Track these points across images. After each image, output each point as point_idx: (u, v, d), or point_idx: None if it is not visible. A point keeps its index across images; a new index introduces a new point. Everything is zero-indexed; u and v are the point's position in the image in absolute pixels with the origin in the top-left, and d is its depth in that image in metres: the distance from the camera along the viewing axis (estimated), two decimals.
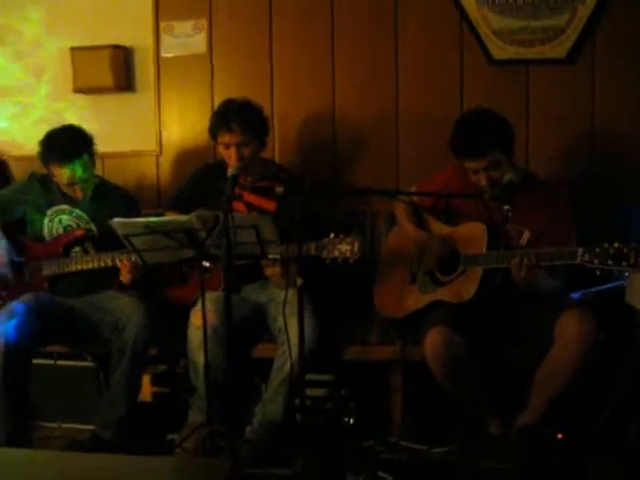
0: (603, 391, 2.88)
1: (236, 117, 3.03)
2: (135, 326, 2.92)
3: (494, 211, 2.79)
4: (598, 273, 2.46)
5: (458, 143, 2.85)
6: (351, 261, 2.68)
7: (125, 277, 3.00)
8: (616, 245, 2.41)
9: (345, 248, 2.68)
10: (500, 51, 3.43)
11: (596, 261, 2.45)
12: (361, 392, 3.10)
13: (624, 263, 2.40)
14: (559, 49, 3.39)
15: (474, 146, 2.79)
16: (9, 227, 3.22)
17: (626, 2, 3.33)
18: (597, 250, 2.45)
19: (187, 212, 2.82)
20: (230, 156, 3.06)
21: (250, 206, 3.12)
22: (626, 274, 2.50)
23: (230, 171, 2.86)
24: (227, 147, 3.06)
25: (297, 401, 2.70)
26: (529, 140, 3.41)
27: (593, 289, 2.96)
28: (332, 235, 2.72)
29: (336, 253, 2.69)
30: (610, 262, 2.42)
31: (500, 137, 2.82)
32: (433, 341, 2.69)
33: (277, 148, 3.59)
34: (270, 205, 3.11)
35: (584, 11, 3.35)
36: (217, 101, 3.62)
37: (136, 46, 3.75)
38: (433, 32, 3.47)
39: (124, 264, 2.96)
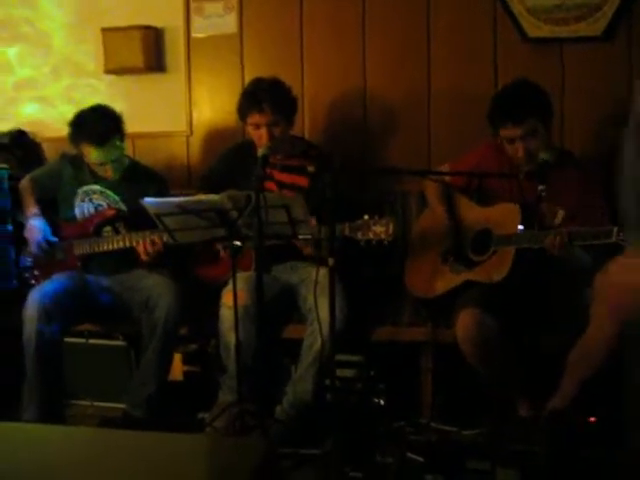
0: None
1: (266, 97, 3.02)
2: (166, 305, 2.93)
3: (528, 191, 2.77)
4: None
5: (497, 108, 2.86)
6: (385, 243, 2.67)
7: (144, 256, 3.01)
8: None
9: (380, 230, 2.67)
10: (534, 29, 3.37)
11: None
12: (391, 373, 3.10)
13: None
14: (595, 27, 3.32)
15: (513, 110, 2.80)
16: (42, 207, 3.25)
17: None
18: None
19: (217, 193, 2.82)
20: (260, 136, 3.05)
21: (282, 184, 3.12)
22: None
23: (260, 151, 2.86)
24: (257, 127, 3.05)
25: (327, 381, 2.71)
26: (564, 118, 3.35)
27: None
28: (366, 216, 2.71)
29: (370, 235, 2.69)
30: None
31: (539, 105, 2.83)
32: (465, 322, 2.67)
33: (307, 128, 3.56)
34: (303, 181, 3.09)
35: None
36: (247, 82, 3.61)
37: (167, 27, 3.75)
38: (466, 10, 3.42)
39: (140, 245, 2.97)
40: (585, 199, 2.81)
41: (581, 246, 2.65)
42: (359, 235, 2.71)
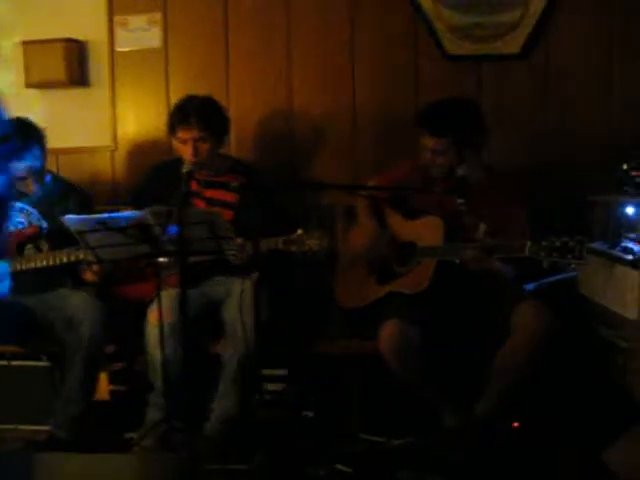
0: (560, 381, 2.94)
1: (195, 112, 3.02)
2: (90, 324, 2.89)
3: (449, 205, 2.83)
4: (545, 266, 2.52)
5: (421, 114, 2.92)
6: (319, 256, 2.74)
7: (90, 276, 2.96)
8: (563, 238, 2.48)
9: (314, 243, 2.74)
10: (455, 47, 3.46)
11: (542, 254, 2.51)
12: (320, 386, 3.12)
13: (569, 256, 2.46)
14: (512, 45, 3.43)
15: (434, 123, 2.87)
16: None
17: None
18: (544, 243, 2.52)
19: (142, 208, 2.80)
20: (186, 151, 3.04)
21: (211, 201, 3.11)
22: (572, 266, 2.56)
23: (185, 167, 2.85)
24: (184, 142, 3.05)
25: (255, 396, 2.71)
26: None
27: (547, 280, 3.01)
28: (300, 231, 2.76)
29: (305, 248, 2.75)
30: (555, 254, 2.48)
31: (461, 126, 2.88)
32: (388, 333, 2.72)
33: (234, 145, 3.56)
34: (231, 197, 3.09)
35: (536, 7, 3.39)
36: (173, 96, 3.61)
37: (90, 40, 3.71)
38: (388, 27, 3.49)
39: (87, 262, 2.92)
40: (507, 213, 2.88)
41: (505, 259, 2.73)
42: (293, 248, 2.77)
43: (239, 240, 2.74)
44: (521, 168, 3.42)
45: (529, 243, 2.57)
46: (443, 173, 2.89)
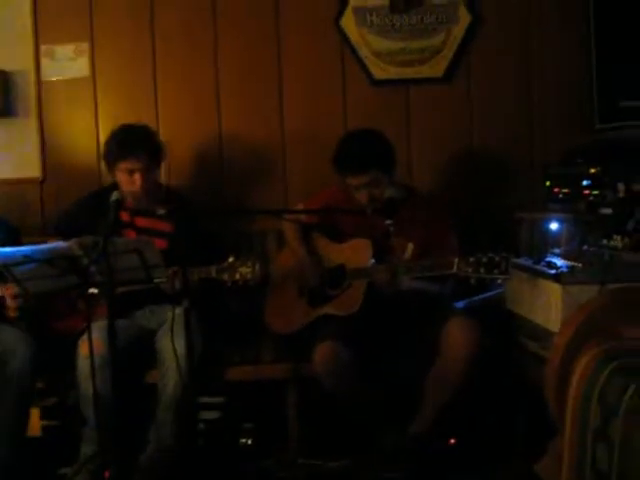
0: (492, 395, 3.00)
1: (141, 142, 3.02)
2: (19, 359, 2.81)
3: (377, 226, 2.88)
4: (473, 282, 2.59)
5: (341, 159, 2.96)
6: (251, 283, 2.74)
7: (12, 310, 2.90)
8: (489, 254, 2.55)
9: (245, 270, 2.75)
10: (381, 71, 3.55)
11: (469, 270, 2.58)
12: (257, 412, 3.11)
13: (496, 271, 2.53)
14: (436, 68, 3.54)
15: (356, 163, 2.91)
16: None
17: (496, 22, 3.52)
18: (471, 260, 2.58)
19: (72, 238, 2.76)
20: (132, 182, 3.02)
21: (144, 230, 3.07)
22: (498, 281, 2.62)
23: (113, 195, 2.81)
24: (130, 173, 3.02)
25: (192, 425, 2.69)
26: (411, 156, 3.53)
27: (477, 297, 3.07)
28: (231, 258, 2.76)
29: (237, 276, 2.76)
30: (482, 270, 2.55)
31: (381, 155, 2.94)
32: (321, 355, 2.73)
33: (164, 169, 3.53)
34: (165, 226, 3.07)
35: (458, 32, 3.51)
36: (102, 125, 3.59)
37: (16, 70, 3.64)
38: (315, 55, 3.56)
39: (8, 294, 2.86)
40: (434, 232, 2.95)
41: (433, 279, 2.78)
42: (226, 277, 2.76)
43: (171, 269, 2.73)
44: (448, 188, 3.51)
45: (457, 260, 2.64)
46: (381, 203, 2.92)
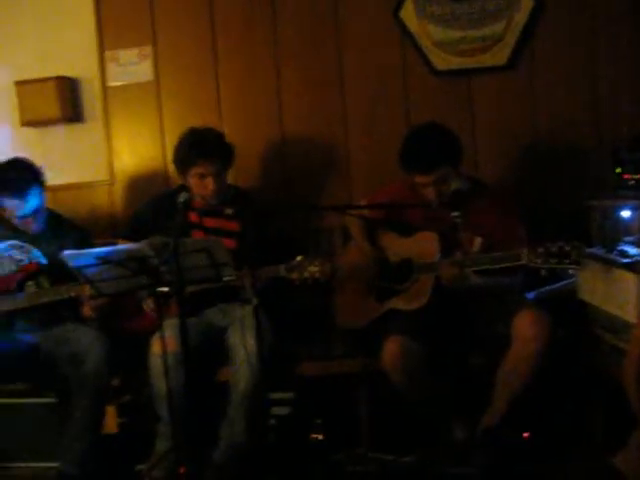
0: (565, 387, 2.93)
1: (215, 146, 3.06)
2: (95, 358, 2.89)
3: (443, 219, 2.84)
4: (543, 273, 2.53)
5: (406, 159, 2.91)
6: (322, 281, 2.74)
7: (87, 310, 2.98)
8: (559, 244, 2.49)
9: (314, 269, 2.75)
10: (442, 62, 3.50)
11: (539, 261, 2.52)
12: (327, 407, 3.12)
13: (566, 261, 2.47)
14: (498, 57, 3.47)
15: (422, 162, 2.86)
16: None
17: (561, 6, 3.42)
18: (540, 250, 2.53)
19: (141, 239, 2.82)
20: (206, 186, 3.05)
21: (212, 230, 3.10)
22: (570, 271, 2.56)
23: (181, 197, 2.86)
24: (202, 177, 3.05)
25: (263, 421, 2.71)
26: (476, 147, 3.47)
27: (547, 288, 3.01)
28: (300, 257, 2.77)
29: (306, 274, 2.76)
30: (552, 260, 2.49)
31: (447, 152, 2.88)
32: (390, 350, 2.72)
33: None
34: (233, 226, 3.10)
35: (520, 18, 3.43)
36: (167, 128, 3.66)
37: (82, 76, 3.75)
38: (377, 47, 3.53)
39: (84, 295, 2.93)
40: (502, 224, 2.89)
41: (502, 271, 2.73)
42: (294, 275, 2.78)
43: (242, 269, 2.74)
44: (515, 178, 3.45)
45: (525, 251, 2.59)
46: (449, 196, 2.88)
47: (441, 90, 3.50)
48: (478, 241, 2.85)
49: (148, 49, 3.68)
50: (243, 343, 2.66)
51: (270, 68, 3.59)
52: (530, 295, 3.02)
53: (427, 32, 3.50)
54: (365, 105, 3.55)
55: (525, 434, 2.91)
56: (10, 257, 3.17)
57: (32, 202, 3.09)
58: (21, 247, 3.17)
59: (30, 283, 3.12)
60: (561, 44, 3.44)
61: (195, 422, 2.75)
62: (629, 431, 2.21)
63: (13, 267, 3.16)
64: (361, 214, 3.13)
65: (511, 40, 3.45)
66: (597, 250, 2.71)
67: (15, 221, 3.15)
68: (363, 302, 3.04)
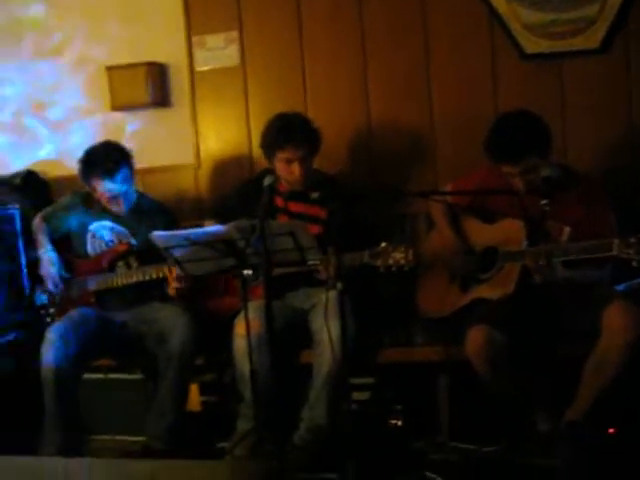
0: None
1: (301, 131, 3.07)
2: (180, 336, 2.97)
3: (531, 207, 2.77)
4: (635, 264, 2.44)
5: (493, 148, 2.83)
6: (406, 268, 2.71)
7: (172, 289, 3.05)
8: None
9: (399, 256, 2.71)
10: (532, 45, 3.40)
11: (631, 251, 2.43)
12: (407, 394, 3.11)
13: None
14: (592, 40, 3.35)
15: (510, 152, 2.77)
16: (55, 244, 3.31)
17: None
18: (632, 240, 2.44)
19: (228, 221, 2.86)
20: (291, 171, 3.08)
21: (297, 216, 3.12)
22: None
23: (266, 180, 2.89)
24: (288, 162, 3.07)
25: (344, 405, 2.73)
26: (566, 133, 3.36)
27: (638, 280, 2.91)
28: (384, 244, 2.74)
29: (390, 261, 2.72)
30: None
31: (536, 142, 2.78)
32: (474, 340, 2.68)
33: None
34: (319, 212, 3.11)
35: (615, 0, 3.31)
36: (252, 112, 3.69)
37: (170, 61, 3.81)
38: (464, 31, 3.46)
39: (171, 275, 3.00)
40: (592, 214, 2.80)
41: (591, 262, 2.65)
42: (379, 262, 2.75)
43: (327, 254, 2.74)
44: (608, 166, 3.33)
45: (617, 241, 2.50)
46: (538, 184, 2.80)
47: (531, 75, 3.40)
48: (567, 230, 2.77)
49: (234, 34, 3.71)
50: (327, 328, 2.67)
51: (357, 53, 3.56)
52: (620, 287, 2.93)
53: (516, 14, 3.41)
54: (452, 89, 3.49)
55: (611, 429, 2.84)
56: (101, 238, 3.28)
57: (121, 183, 3.17)
58: (112, 228, 3.27)
59: (120, 263, 3.22)
60: None
61: (277, 404, 2.79)
62: None
63: (104, 247, 3.27)
64: (445, 200, 3.09)
65: (605, 23, 3.32)
66: None
67: (105, 202, 3.25)
68: (447, 291, 3.00)
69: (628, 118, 3.34)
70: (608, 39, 3.32)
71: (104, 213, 3.29)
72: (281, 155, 3.08)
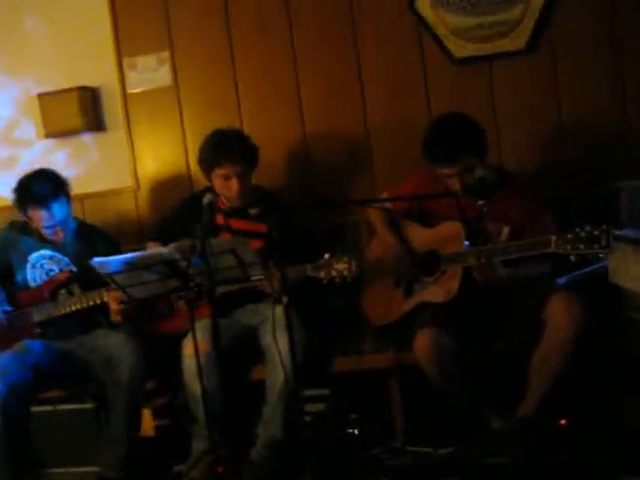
0: (599, 373, 2.90)
1: (239, 147, 3.06)
2: (128, 362, 2.92)
3: (469, 208, 2.81)
4: (573, 259, 2.49)
5: (429, 150, 2.87)
6: (349, 280, 2.72)
7: (115, 315, 3.01)
8: (587, 228, 2.45)
9: (342, 267, 2.74)
10: (460, 49, 3.47)
11: (568, 247, 2.48)
12: (362, 402, 3.11)
13: (596, 246, 2.43)
14: (517, 41, 3.42)
15: (446, 153, 2.81)
16: None
17: None
18: (569, 236, 2.49)
19: (170, 242, 2.84)
20: (231, 187, 3.07)
21: (239, 232, 3.10)
22: (600, 256, 2.52)
23: (206, 198, 2.87)
24: (227, 178, 3.06)
25: (298, 418, 2.72)
26: (499, 134, 3.44)
27: (579, 272, 2.98)
28: (327, 255, 2.76)
29: (333, 273, 2.75)
30: (582, 246, 2.46)
31: (472, 141, 2.84)
32: (421, 343, 2.71)
33: None
34: (260, 227, 3.09)
35: (538, 0, 3.39)
36: (188, 132, 3.68)
37: (102, 85, 3.78)
38: (394, 39, 3.50)
39: (110, 298, 2.96)
40: (529, 213, 2.85)
41: (531, 259, 2.71)
42: (322, 274, 2.77)
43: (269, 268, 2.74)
44: (540, 163, 3.41)
45: (554, 238, 2.55)
46: (474, 185, 2.85)
47: (461, 78, 3.46)
48: (506, 230, 2.82)
49: (166, 54, 3.69)
50: (276, 343, 2.66)
51: (288, 66, 3.58)
52: (561, 280, 2.99)
53: (443, 20, 3.47)
54: (385, 98, 3.53)
55: (562, 421, 2.88)
56: (41, 267, 3.22)
57: (58, 212, 3.13)
58: (51, 257, 3.22)
59: (62, 292, 3.17)
60: (582, 25, 3.37)
61: (231, 421, 2.77)
62: None
63: (44, 277, 3.21)
64: (382, 206, 3.11)
65: (530, 23, 3.41)
66: (627, 232, 2.67)
67: (44, 231, 3.19)
68: (392, 296, 3.02)
69: (557, 116, 3.43)
70: (533, 40, 3.41)
71: (43, 242, 3.23)
72: (219, 171, 3.07)
